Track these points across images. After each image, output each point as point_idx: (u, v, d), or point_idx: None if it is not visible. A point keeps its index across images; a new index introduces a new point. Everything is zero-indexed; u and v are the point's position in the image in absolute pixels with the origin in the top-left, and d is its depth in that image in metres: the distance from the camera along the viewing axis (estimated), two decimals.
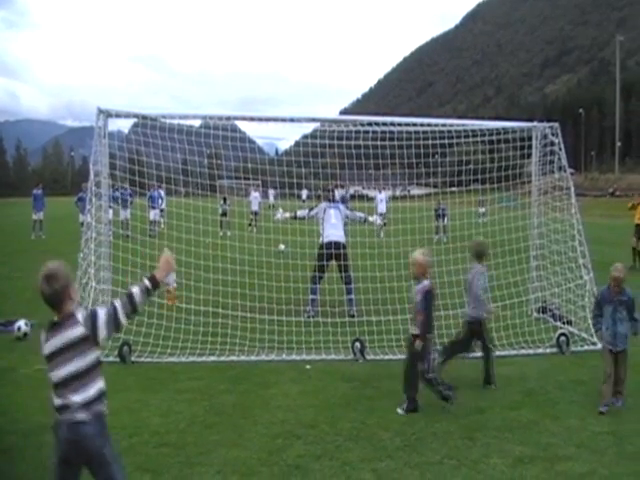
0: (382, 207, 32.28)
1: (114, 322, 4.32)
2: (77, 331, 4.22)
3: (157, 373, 9.53)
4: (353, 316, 12.70)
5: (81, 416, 4.19)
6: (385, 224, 26.12)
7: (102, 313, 4.31)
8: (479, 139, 13.37)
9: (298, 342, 10.97)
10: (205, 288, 12.08)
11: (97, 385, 4.32)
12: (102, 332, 4.28)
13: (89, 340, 4.25)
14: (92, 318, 4.27)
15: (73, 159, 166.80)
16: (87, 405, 4.22)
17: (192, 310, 11.67)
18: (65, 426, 4.20)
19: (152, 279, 4.51)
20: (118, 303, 4.38)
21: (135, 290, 4.43)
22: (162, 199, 30.90)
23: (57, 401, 4.24)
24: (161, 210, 30.82)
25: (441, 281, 12.40)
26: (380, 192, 33.26)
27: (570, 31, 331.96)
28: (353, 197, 34.15)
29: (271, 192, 36.44)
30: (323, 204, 13.96)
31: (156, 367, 9.73)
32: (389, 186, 32.45)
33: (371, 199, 32.37)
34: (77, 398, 4.20)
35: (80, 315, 4.28)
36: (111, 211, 14.34)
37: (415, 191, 32.14)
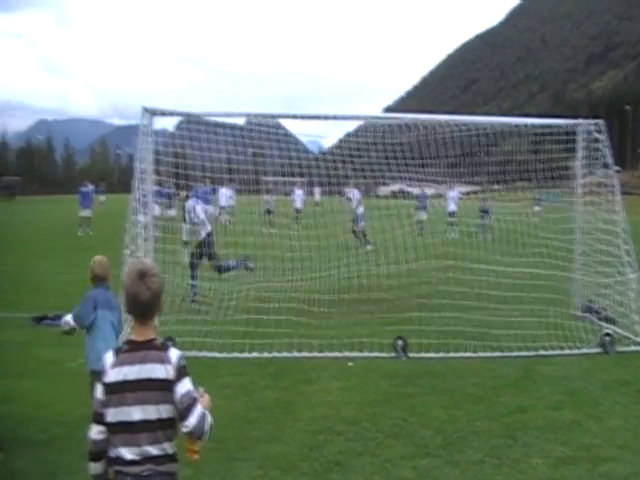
0: (452, 206, 31.79)
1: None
2: (161, 371, 3.40)
3: (199, 368, 9.55)
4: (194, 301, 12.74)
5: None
6: (455, 225, 26.07)
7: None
8: (524, 137, 13.23)
9: (340, 339, 10.98)
10: (248, 285, 12.17)
11: None
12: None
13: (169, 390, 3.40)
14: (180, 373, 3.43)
15: (119, 157, 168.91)
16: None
17: (235, 306, 11.74)
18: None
19: None
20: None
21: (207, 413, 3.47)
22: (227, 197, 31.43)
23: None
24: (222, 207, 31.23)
25: (483, 275, 12.35)
26: (452, 190, 32.69)
27: (616, 26, 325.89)
28: (396, 195, 33.88)
29: (317, 190, 36.52)
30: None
31: (198, 362, 9.77)
32: (454, 184, 31.94)
33: (414, 197, 32.02)
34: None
35: (173, 353, 3.46)
36: (158, 208, 14.50)
37: (459, 189, 31.88)
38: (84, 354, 6.65)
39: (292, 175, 16.41)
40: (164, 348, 3.46)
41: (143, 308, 3.44)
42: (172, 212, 24.76)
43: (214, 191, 25.43)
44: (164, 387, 3.35)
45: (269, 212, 28.66)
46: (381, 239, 13.81)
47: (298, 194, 34.69)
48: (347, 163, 13.68)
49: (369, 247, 17.74)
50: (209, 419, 3.43)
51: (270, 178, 20.25)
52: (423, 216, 30.22)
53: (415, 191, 33.08)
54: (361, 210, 24.26)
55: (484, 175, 14.02)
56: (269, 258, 13.02)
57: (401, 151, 12.99)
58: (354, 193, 24.49)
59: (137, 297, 3.40)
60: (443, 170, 14.37)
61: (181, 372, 3.39)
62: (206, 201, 27.67)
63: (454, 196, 31.84)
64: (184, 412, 3.35)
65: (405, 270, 13.68)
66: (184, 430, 3.37)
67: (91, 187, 34.44)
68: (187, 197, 14.44)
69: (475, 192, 25.69)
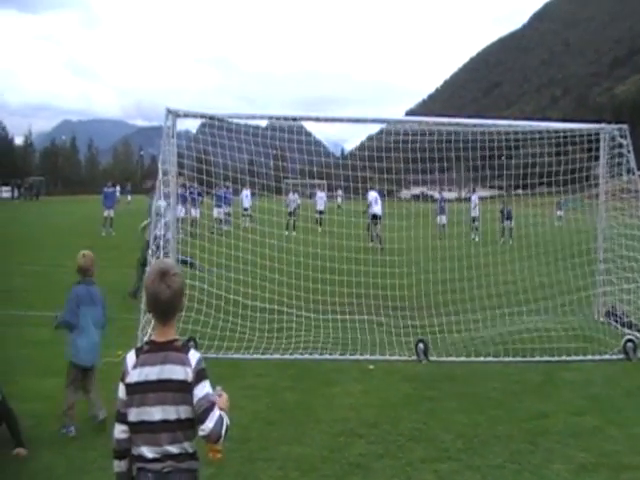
0: (475, 211, 31.68)
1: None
2: (180, 372, 3.40)
3: (221, 369, 9.61)
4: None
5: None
6: (477, 229, 26.04)
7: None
8: (546, 141, 13.18)
9: (362, 342, 11.00)
10: (270, 287, 12.20)
11: None
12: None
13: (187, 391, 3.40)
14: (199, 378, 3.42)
15: (142, 158, 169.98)
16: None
17: (257, 307, 11.78)
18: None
19: None
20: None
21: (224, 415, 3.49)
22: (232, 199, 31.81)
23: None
24: (245, 210, 31.68)
25: (504, 279, 12.32)
26: (473, 194, 32.59)
27: None
28: (418, 198, 33.90)
29: (339, 193, 36.56)
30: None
31: (220, 363, 9.83)
32: (473, 188, 31.84)
33: (441, 200, 31.95)
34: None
35: (193, 356, 3.45)
36: (182, 209, 14.60)
37: (480, 193, 31.80)
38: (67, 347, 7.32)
39: (313, 178, 16.42)
40: (185, 350, 3.46)
41: (164, 307, 3.45)
42: (196, 213, 24.91)
43: (226, 194, 25.67)
44: (182, 389, 3.36)
45: (290, 214, 28.88)
46: (403, 241, 13.76)
47: (320, 196, 34.87)
48: (368, 167, 13.70)
49: (378, 246, 17.70)
50: (226, 422, 3.45)
51: (291, 181, 20.32)
52: (443, 220, 30.26)
53: (435, 195, 33.05)
54: (376, 210, 24.50)
55: (506, 179, 13.98)
56: (289, 260, 13.04)
57: (423, 154, 12.98)
58: (371, 195, 24.69)
59: (157, 296, 3.40)
60: (465, 174, 14.36)
61: (200, 375, 3.40)
62: (220, 204, 27.96)
63: (475, 200, 31.80)
64: (201, 416, 3.36)
65: (426, 274, 13.67)
66: (201, 434, 3.38)
67: (113, 188, 34.77)
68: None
69: (497, 196, 25.60)
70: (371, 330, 11.58)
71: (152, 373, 3.38)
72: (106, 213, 32.63)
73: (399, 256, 13.23)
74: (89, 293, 7.37)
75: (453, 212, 29.81)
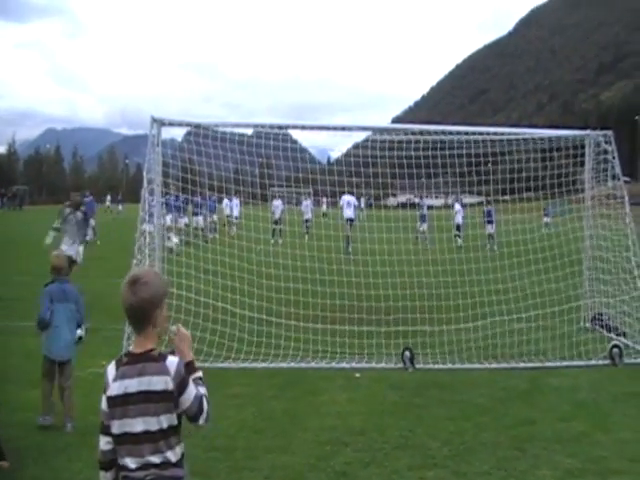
0: (458, 218, 31.70)
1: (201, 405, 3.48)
2: (160, 383, 3.39)
3: (207, 378, 9.59)
4: None
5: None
6: (460, 237, 26.05)
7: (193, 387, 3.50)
8: (532, 147, 13.26)
9: (348, 350, 11.01)
10: (258, 294, 12.20)
11: None
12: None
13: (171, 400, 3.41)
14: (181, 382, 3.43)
15: (127, 167, 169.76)
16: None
17: (245, 316, 11.76)
18: None
19: (190, 366, 3.57)
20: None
21: (203, 391, 3.57)
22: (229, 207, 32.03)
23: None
24: (236, 218, 31.73)
25: (494, 288, 12.38)
26: (457, 202, 32.60)
27: (626, 36, 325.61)
28: (405, 205, 33.93)
29: (324, 200, 36.67)
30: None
31: (206, 372, 9.77)
32: (458, 195, 31.90)
33: (421, 207, 32.07)
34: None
35: (171, 363, 3.44)
36: (169, 217, 14.60)
37: (467, 199, 31.88)
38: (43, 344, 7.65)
39: (300, 185, 16.44)
40: (162, 358, 3.44)
41: (133, 315, 3.43)
42: (184, 221, 24.91)
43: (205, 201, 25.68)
44: (164, 399, 3.37)
45: (277, 222, 28.93)
46: (386, 250, 13.76)
47: (306, 204, 34.83)
48: (354, 174, 13.74)
49: (351, 257, 17.77)
50: (207, 406, 3.52)
51: (277, 189, 20.32)
52: (424, 227, 30.44)
53: (417, 201, 33.15)
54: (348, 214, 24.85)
55: (492, 186, 14.03)
56: (275, 268, 13.05)
57: (409, 161, 13.02)
58: (343, 198, 25.00)
59: (125, 304, 3.40)
60: (452, 180, 14.41)
61: (182, 384, 3.41)
62: (197, 211, 28.06)
63: (459, 209, 31.96)
64: (194, 416, 3.44)
65: (410, 282, 13.69)
66: (197, 426, 3.49)
67: (91, 197, 34.86)
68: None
69: (484, 203, 25.68)
70: (357, 338, 11.55)
71: (131, 386, 3.38)
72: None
73: (382, 267, 13.19)
74: (62, 290, 7.69)
75: (440, 218, 29.80)
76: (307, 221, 32.45)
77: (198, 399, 3.45)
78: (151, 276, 3.54)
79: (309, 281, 13.25)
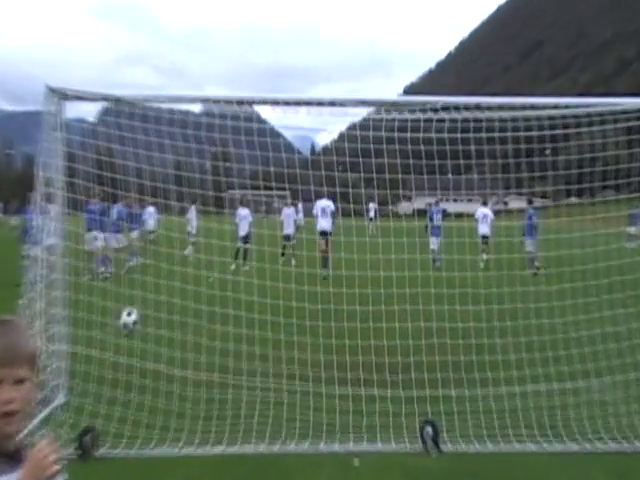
0: (484, 228, 31.94)
1: None
2: None
3: (134, 474, 9.55)
4: None
5: None
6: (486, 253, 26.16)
7: None
8: (612, 125, 13.31)
9: (342, 425, 10.96)
10: (210, 346, 12.17)
11: None
12: None
13: None
14: None
15: (10, 159, 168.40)
16: None
17: (188, 380, 11.72)
18: None
19: None
20: None
21: None
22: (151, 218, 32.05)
23: None
24: (150, 232, 31.73)
25: (549, 328, 12.39)
26: (482, 205, 32.81)
27: None
28: (424, 213, 34.14)
29: (301, 206, 36.90)
30: None
31: (133, 464, 9.75)
32: (487, 195, 32.15)
33: (433, 214, 32.35)
34: None
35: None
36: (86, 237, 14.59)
37: (514, 203, 32.06)
38: None
39: (271, 185, 16.44)
40: (16, 458, 3.28)
41: None
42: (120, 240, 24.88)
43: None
44: None
45: (245, 240, 29.21)
46: (394, 279, 13.69)
47: (287, 214, 34.83)
48: (348, 169, 13.75)
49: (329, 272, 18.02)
50: None
51: (238, 191, 20.29)
52: (435, 243, 30.70)
53: (429, 206, 33.42)
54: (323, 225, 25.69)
55: (552, 183, 14.08)
56: (234, 308, 13.03)
57: (428, 150, 13.03)
58: (317, 205, 25.49)
59: None
60: (489, 177, 14.43)
61: None
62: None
63: (486, 214, 32.20)
64: None
65: (427, 326, 13.63)
66: None
67: None
68: None
69: (540, 207, 25.83)
70: (356, 407, 11.52)
71: None
72: None
73: (388, 305, 13.10)
74: None
75: (472, 232, 29.86)
76: (287, 238, 32.48)
77: None
78: (19, 322, 3.50)
79: (282, 327, 13.21)
